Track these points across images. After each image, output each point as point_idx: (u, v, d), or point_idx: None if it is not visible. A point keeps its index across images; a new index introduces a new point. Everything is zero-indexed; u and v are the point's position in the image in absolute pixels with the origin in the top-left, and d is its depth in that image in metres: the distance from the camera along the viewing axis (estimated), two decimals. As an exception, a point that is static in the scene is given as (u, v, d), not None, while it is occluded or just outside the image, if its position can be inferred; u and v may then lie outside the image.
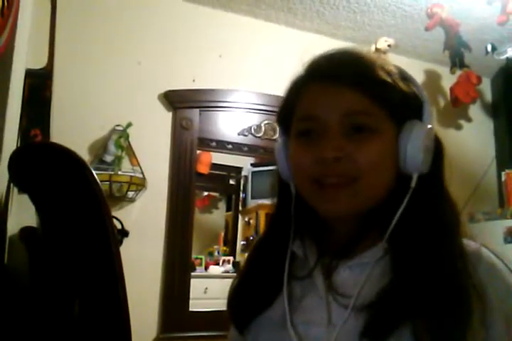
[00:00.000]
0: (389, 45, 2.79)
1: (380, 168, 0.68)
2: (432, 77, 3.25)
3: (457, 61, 2.91)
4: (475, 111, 3.39)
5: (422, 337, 0.60)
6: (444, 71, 3.15)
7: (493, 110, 3.46)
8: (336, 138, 0.67)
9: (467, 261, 0.65)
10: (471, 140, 3.31)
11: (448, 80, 3.17)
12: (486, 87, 3.44)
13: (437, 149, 0.72)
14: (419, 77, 3.16)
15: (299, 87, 0.74)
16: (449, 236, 0.67)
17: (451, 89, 3.12)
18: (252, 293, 0.76)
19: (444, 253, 0.65)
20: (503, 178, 3.07)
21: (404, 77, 0.73)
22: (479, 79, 3.09)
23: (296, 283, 0.73)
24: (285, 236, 0.76)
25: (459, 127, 3.33)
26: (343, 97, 0.68)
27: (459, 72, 3.01)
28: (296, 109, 0.73)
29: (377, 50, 2.77)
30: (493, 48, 2.87)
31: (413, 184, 0.69)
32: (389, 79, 0.69)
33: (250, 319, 0.74)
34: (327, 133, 0.68)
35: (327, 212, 0.71)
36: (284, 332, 0.68)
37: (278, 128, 0.83)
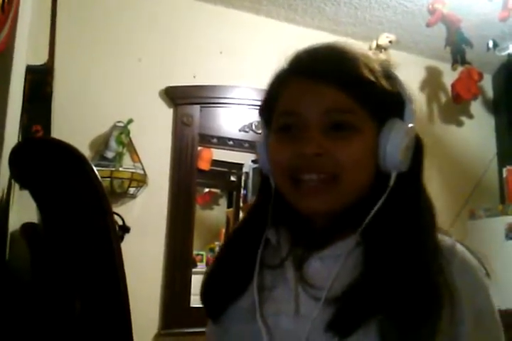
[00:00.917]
0: (390, 41, 2.78)
1: (360, 165, 0.69)
2: (434, 74, 3.24)
3: (459, 57, 2.91)
4: (476, 107, 3.38)
5: (388, 333, 0.60)
6: (445, 67, 3.14)
7: (494, 106, 3.45)
8: (317, 135, 0.67)
9: (441, 256, 0.65)
10: (473, 136, 3.31)
11: (449, 76, 3.17)
12: (488, 84, 3.44)
13: (417, 148, 0.72)
14: (420, 74, 3.16)
15: (281, 82, 0.74)
16: (423, 232, 0.68)
17: (453, 86, 3.12)
18: (223, 281, 0.75)
19: (417, 248, 0.66)
20: (504, 175, 3.07)
21: (388, 75, 0.72)
22: (481, 76, 3.09)
23: (267, 272, 0.73)
24: (261, 224, 0.76)
25: (460, 124, 3.33)
26: (325, 94, 0.68)
27: (460, 69, 3.01)
28: (278, 103, 0.73)
29: (378, 46, 2.76)
30: (495, 44, 2.86)
31: (391, 182, 0.69)
32: (371, 78, 0.69)
33: (223, 308, 0.74)
34: (307, 129, 0.68)
35: (305, 209, 0.71)
36: (255, 323, 0.68)
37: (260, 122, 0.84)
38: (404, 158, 0.69)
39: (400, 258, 0.65)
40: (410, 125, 0.71)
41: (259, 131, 2.74)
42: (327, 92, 0.68)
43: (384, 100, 0.70)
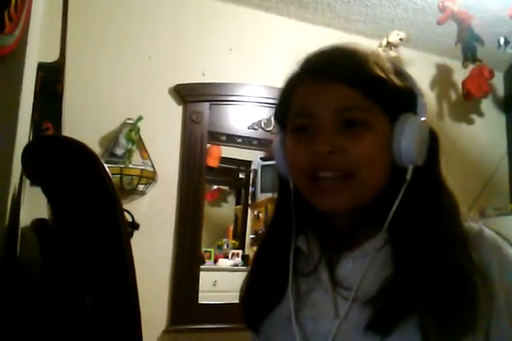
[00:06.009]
0: (401, 39, 2.77)
1: (374, 161, 0.69)
2: (444, 71, 3.22)
3: (469, 55, 2.88)
4: (487, 105, 3.36)
5: (429, 328, 0.60)
6: (456, 65, 3.12)
7: (505, 104, 3.42)
8: (330, 133, 0.68)
9: (469, 242, 0.66)
10: (483, 134, 3.29)
11: (460, 74, 3.14)
12: (499, 81, 3.41)
13: (432, 141, 0.73)
14: (430, 71, 3.14)
15: (294, 84, 0.75)
16: (448, 222, 0.68)
17: (463, 83, 3.10)
18: (260, 291, 0.77)
19: (444, 239, 0.66)
20: (514, 173, 3.05)
21: (398, 71, 0.73)
22: (492, 73, 3.06)
23: (302, 278, 0.74)
24: (288, 232, 0.77)
25: (470, 122, 3.31)
26: (336, 93, 0.69)
27: (471, 66, 2.98)
28: (292, 105, 0.74)
29: (388, 43, 2.75)
30: (506, 42, 2.83)
31: (408, 176, 0.69)
32: (382, 74, 0.69)
33: (262, 318, 0.75)
34: (321, 128, 0.69)
35: (325, 208, 0.71)
36: (291, 329, 0.69)
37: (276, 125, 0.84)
38: (419, 152, 0.70)
39: (428, 251, 0.65)
40: (423, 118, 0.71)
41: (268, 129, 2.75)
42: (338, 91, 0.69)
43: (395, 95, 0.70)
